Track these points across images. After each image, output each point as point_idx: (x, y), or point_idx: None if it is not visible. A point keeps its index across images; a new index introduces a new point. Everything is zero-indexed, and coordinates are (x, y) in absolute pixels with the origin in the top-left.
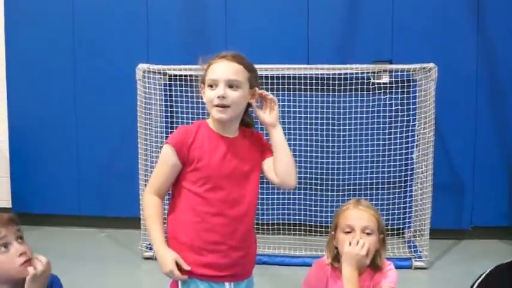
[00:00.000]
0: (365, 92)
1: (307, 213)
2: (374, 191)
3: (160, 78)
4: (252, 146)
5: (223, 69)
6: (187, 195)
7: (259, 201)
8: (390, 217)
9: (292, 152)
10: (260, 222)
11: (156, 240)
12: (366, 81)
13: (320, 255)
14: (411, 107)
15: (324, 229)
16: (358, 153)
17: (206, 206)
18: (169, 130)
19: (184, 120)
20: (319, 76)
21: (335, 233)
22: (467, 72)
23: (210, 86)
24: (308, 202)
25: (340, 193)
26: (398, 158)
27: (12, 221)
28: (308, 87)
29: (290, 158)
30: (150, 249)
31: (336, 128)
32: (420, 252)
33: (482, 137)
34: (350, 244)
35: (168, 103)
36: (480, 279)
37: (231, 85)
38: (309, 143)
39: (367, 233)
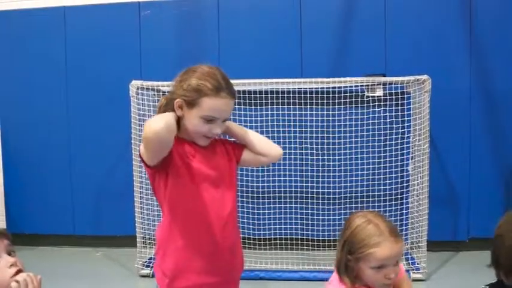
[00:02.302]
0: (359, 105)
1: (304, 227)
2: (370, 204)
3: (154, 94)
4: (221, 152)
5: (224, 109)
6: (173, 204)
7: (255, 216)
8: None
9: (287, 166)
10: (257, 237)
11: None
12: (360, 94)
13: (317, 269)
14: (406, 119)
15: (320, 243)
16: (353, 167)
17: (192, 212)
18: None
19: None
20: (313, 90)
21: (356, 260)
22: (461, 84)
23: (206, 119)
24: (304, 216)
25: (336, 206)
26: (393, 170)
27: (2, 235)
28: (302, 101)
29: (259, 135)
30: (147, 267)
31: (330, 141)
32: (418, 264)
33: (477, 147)
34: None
35: None
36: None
37: (224, 120)
38: (304, 156)
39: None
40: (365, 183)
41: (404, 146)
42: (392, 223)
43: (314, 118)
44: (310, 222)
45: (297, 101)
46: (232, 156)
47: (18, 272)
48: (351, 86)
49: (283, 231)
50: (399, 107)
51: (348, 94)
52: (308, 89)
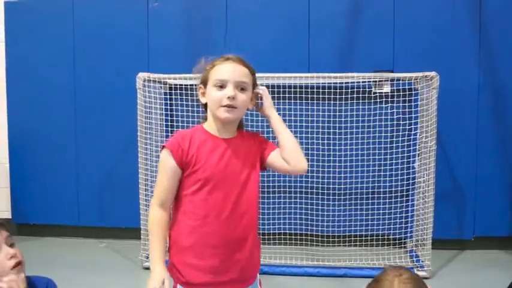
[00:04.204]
0: (366, 101)
1: (308, 222)
2: (376, 201)
3: (161, 87)
4: (250, 146)
5: (232, 70)
6: (187, 199)
7: (260, 211)
8: (392, 227)
9: None
10: (261, 232)
11: (154, 255)
12: (367, 89)
13: (321, 265)
14: (413, 115)
15: (324, 238)
16: (359, 163)
17: (206, 208)
18: None
19: None
20: (320, 85)
21: None
22: (469, 81)
23: (218, 86)
24: (309, 212)
25: (342, 202)
26: (400, 167)
27: (2, 226)
28: (309, 96)
29: (295, 141)
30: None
31: (337, 137)
32: (422, 262)
33: (484, 146)
34: None
35: (169, 112)
36: None
37: (239, 87)
38: (310, 152)
39: None
40: (371, 179)
41: (411, 142)
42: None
43: (321, 113)
44: (315, 217)
45: (303, 95)
46: (257, 154)
47: (18, 264)
48: (358, 82)
49: (287, 227)
50: (406, 104)
51: (355, 90)
52: (315, 84)
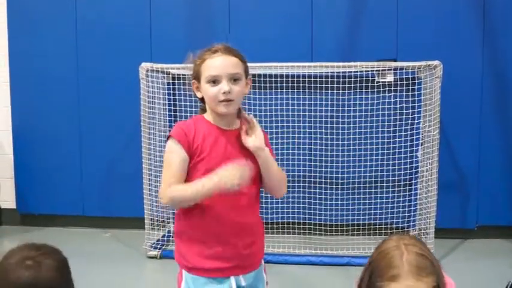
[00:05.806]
0: (369, 90)
1: (311, 211)
2: (379, 190)
3: (164, 77)
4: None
5: (223, 64)
6: None
7: (262, 200)
8: (395, 216)
9: (296, 151)
10: (264, 221)
11: (203, 182)
12: (370, 79)
13: (324, 254)
14: (416, 104)
15: (328, 227)
16: (362, 152)
17: (212, 198)
18: None
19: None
20: (323, 74)
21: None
22: (473, 70)
23: (212, 82)
24: (312, 201)
25: (345, 191)
26: (403, 156)
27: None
28: (312, 85)
29: (280, 175)
30: (154, 248)
31: (340, 126)
32: None
33: (487, 135)
34: None
35: (172, 102)
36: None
37: (233, 79)
38: (313, 141)
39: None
40: (374, 168)
41: (414, 132)
42: (427, 256)
43: (324, 103)
44: (318, 207)
45: (306, 85)
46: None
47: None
48: (362, 71)
49: (290, 216)
50: (410, 93)
51: (358, 79)
52: (318, 74)
